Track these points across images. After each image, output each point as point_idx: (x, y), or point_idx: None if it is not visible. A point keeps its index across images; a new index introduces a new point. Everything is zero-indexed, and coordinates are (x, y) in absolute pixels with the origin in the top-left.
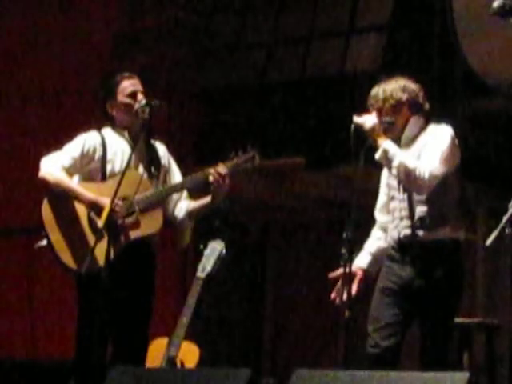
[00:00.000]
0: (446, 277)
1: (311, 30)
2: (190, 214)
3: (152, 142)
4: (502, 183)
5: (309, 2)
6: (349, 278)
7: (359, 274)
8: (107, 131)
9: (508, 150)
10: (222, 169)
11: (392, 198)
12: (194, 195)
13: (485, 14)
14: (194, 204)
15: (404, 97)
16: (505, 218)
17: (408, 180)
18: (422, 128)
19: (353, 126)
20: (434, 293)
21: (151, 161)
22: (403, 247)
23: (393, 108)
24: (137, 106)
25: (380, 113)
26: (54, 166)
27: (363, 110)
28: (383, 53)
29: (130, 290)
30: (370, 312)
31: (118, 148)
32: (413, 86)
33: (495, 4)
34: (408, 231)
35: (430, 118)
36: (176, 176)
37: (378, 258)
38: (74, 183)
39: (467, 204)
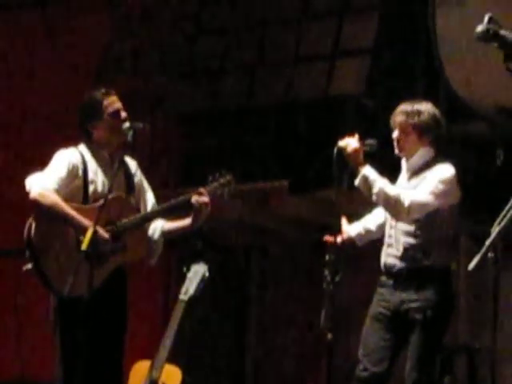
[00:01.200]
0: (435, 301)
1: (296, 52)
2: (165, 235)
3: (125, 159)
4: (483, 208)
5: (293, 25)
6: (331, 300)
7: (344, 236)
8: (83, 149)
9: (490, 175)
10: (203, 193)
11: (386, 222)
12: (169, 217)
13: (469, 38)
14: (170, 225)
15: (416, 121)
16: (487, 243)
17: (387, 207)
18: (429, 162)
19: (335, 149)
20: (423, 316)
21: (127, 180)
22: (390, 273)
23: (410, 130)
24: (122, 127)
25: (402, 132)
26: (46, 188)
27: (347, 133)
28: (368, 76)
29: (106, 316)
30: (362, 337)
31: (97, 167)
32: (428, 112)
33: (479, 29)
34: (391, 260)
35: (439, 151)
36: (148, 192)
37: (368, 233)
38: (68, 207)
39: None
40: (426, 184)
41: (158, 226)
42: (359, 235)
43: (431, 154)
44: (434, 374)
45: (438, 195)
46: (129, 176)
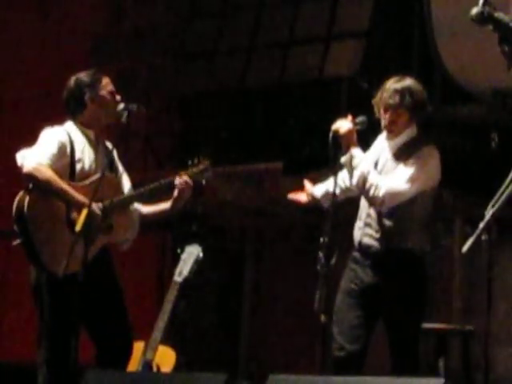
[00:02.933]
0: (409, 282)
1: (290, 35)
2: (144, 218)
3: (106, 141)
4: (478, 190)
5: (288, 8)
6: (325, 283)
7: (309, 197)
8: (71, 127)
9: (486, 158)
10: (186, 177)
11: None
12: (157, 198)
13: (464, 20)
14: (149, 209)
15: (409, 101)
16: (481, 225)
17: (364, 192)
18: (413, 140)
19: (331, 132)
20: (393, 299)
21: (109, 161)
22: (365, 253)
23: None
24: (117, 108)
25: (386, 110)
26: (40, 163)
27: (341, 115)
28: (362, 58)
29: (103, 291)
30: (334, 313)
31: (84, 146)
32: (421, 93)
33: (474, 11)
34: (368, 240)
35: (422, 130)
36: (124, 175)
37: (331, 192)
38: (64, 183)
39: (444, 210)
40: (404, 171)
41: (136, 210)
42: (325, 197)
43: (415, 132)
44: (416, 357)
45: (417, 183)
46: (110, 157)
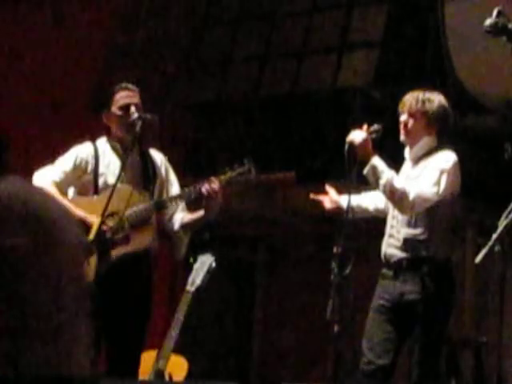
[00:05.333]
0: (434, 292)
1: (304, 44)
2: (185, 227)
3: (148, 151)
4: (492, 201)
5: (302, 17)
6: (338, 293)
7: (333, 204)
8: (101, 142)
9: (498, 168)
10: (214, 183)
11: (388, 212)
12: (190, 208)
13: (478, 31)
14: (189, 217)
15: (427, 108)
16: (494, 236)
17: (392, 199)
18: (431, 150)
19: (346, 144)
20: (423, 308)
21: (146, 173)
22: (390, 264)
23: (418, 116)
24: (129, 120)
25: (410, 116)
26: (44, 181)
27: (355, 125)
28: (375, 69)
29: (124, 304)
30: (365, 330)
31: (110, 160)
32: (439, 101)
33: (488, 22)
34: (391, 250)
35: (442, 141)
36: (173, 185)
37: (363, 210)
38: (63, 200)
39: (457, 221)
40: (428, 175)
41: (177, 219)
42: (351, 208)
43: (435, 143)
44: (438, 366)
45: (442, 187)
46: (149, 169)
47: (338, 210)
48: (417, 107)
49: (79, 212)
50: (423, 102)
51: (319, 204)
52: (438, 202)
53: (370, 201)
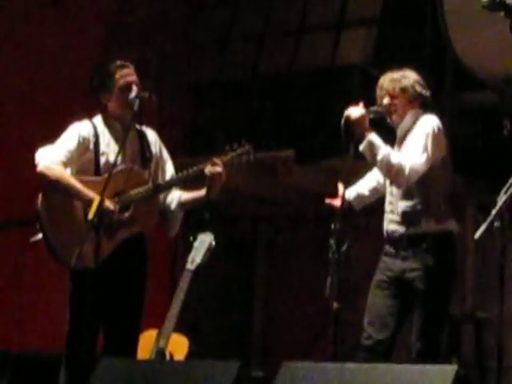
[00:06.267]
0: (434, 269)
1: (302, 23)
2: (182, 206)
3: (143, 130)
4: (491, 177)
5: None
6: (337, 270)
7: (343, 200)
8: (98, 120)
9: (498, 144)
10: (217, 163)
11: (386, 188)
12: (187, 187)
13: (476, 7)
14: (187, 196)
15: (404, 84)
16: (494, 212)
17: (389, 174)
18: (416, 121)
19: (343, 119)
20: (424, 285)
21: (143, 151)
22: (391, 241)
23: (398, 93)
24: (128, 98)
25: (391, 97)
26: (53, 161)
27: (353, 102)
28: (373, 46)
29: (123, 284)
30: (366, 306)
31: (110, 139)
32: (413, 76)
33: None
34: (392, 226)
35: (426, 110)
36: (167, 163)
37: (363, 197)
38: (74, 180)
39: (456, 198)
40: (415, 143)
41: (175, 197)
42: (356, 200)
43: (419, 115)
44: (440, 343)
45: (430, 152)
46: (145, 146)
47: (347, 205)
48: (394, 87)
49: (90, 193)
50: (399, 80)
51: (332, 208)
52: (429, 167)
53: (365, 185)
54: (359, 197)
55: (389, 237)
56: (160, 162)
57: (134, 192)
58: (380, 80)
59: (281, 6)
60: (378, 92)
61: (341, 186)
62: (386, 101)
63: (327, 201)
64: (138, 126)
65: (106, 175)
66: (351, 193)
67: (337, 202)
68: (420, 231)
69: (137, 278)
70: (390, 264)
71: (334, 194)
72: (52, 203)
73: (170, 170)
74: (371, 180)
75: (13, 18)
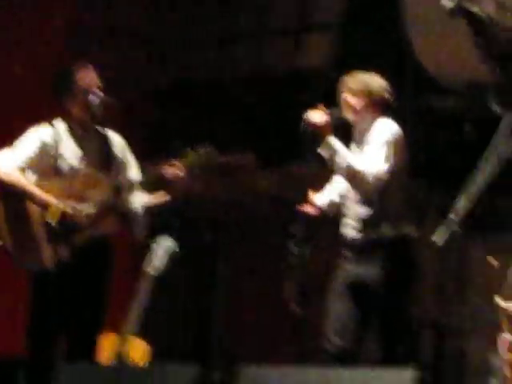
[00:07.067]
0: (392, 273)
1: (263, 27)
2: (145, 209)
3: (107, 134)
4: (451, 182)
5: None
6: (297, 274)
7: (315, 208)
8: (60, 125)
9: (458, 149)
10: (178, 165)
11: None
12: (151, 190)
13: (438, 12)
14: (151, 199)
15: (369, 88)
16: (453, 217)
17: (353, 181)
18: (376, 124)
19: (304, 123)
20: (381, 289)
21: (105, 155)
22: (349, 245)
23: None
24: (89, 101)
25: (354, 95)
26: (10, 166)
27: (314, 106)
28: (335, 49)
29: (84, 288)
30: (327, 310)
31: (71, 143)
32: (380, 81)
33: (448, 4)
34: (350, 231)
35: (386, 114)
36: (132, 168)
37: (334, 204)
38: (31, 185)
39: (417, 202)
40: (377, 150)
41: (138, 201)
42: (330, 207)
43: (379, 119)
44: (398, 348)
45: (392, 159)
46: (107, 150)
47: (321, 212)
48: (358, 86)
49: (45, 196)
50: (364, 81)
51: (307, 215)
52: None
53: (334, 190)
54: (332, 203)
55: (347, 241)
56: (124, 166)
57: (93, 195)
58: (345, 78)
59: (242, 10)
60: (341, 89)
61: (311, 194)
62: (348, 98)
63: (300, 208)
64: (101, 130)
65: (66, 179)
66: (324, 200)
67: (311, 210)
68: (377, 236)
69: (99, 282)
70: (348, 269)
71: (304, 201)
72: (9, 207)
73: (133, 175)
74: (339, 184)
75: None
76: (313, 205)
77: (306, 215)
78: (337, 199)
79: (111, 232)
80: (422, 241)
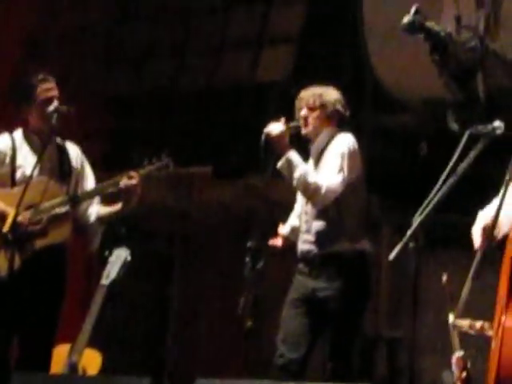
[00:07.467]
0: (347, 288)
1: (222, 39)
2: (101, 220)
3: (64, 144)
4: (407, 198)
5: (220, 13)
6: (251, 287)
7: (280, 239)
8: (18, 134)
9: (414, 166)
10: (133, 176)
11: (302, 208)
12: (107, 201)
13: (396, 28)
14: (105, 210)
15: (325, 101)
16: (408, 233)
17: (306, 193)
18: (331, 140)
19: (263, 136)
20: (336, 304)
21: (62, 165)
22: (305, 260)
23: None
24: (47, 111)
25: (309, 109)
26: None
27: (273, 119)
28: (294, 64)
29: (36, 297)
30: (280, 323)
31: (28, 153)
32: (335, 94)
33: (405, 20)
34: (306, 246)
35: (342, 129)
36: (89, 179)
37: (297, 226)
38: None
39: (373, 218)
40: (331, 163)
41: (93, 211)
42: (291, 234)
43: (335, 133)
44: (352, 363)
45: (346, 173)
46: (64, 161)
47: (288, 242)
48: (314, 100)
49: (4, 206)
50: (320, 95)
51: (276, 248)
52: (344, 188)
53: (294, 216)
54: (293, 230)
55: (303, 256)
56: (80, 177)
57: (47, 204)
58: (301, 92)
59: (202, 22)
60: (297, 104)
61: (281, 226)
62: (303, 112)
63: (270, 243)
64: (58, 141)
65: (21, 188)
66: (286, 229)
67: (278, 242)
68: (333, 251)
69: (52, 290)
70: (303, 283)
71: (276, 235)
72: None
73: (90, 185)
74: (298, 205)
75: None
76: (280, 237)
77: (275, 248)
78: (296, 223)
79: (65, 242)
80: (376, 256)
